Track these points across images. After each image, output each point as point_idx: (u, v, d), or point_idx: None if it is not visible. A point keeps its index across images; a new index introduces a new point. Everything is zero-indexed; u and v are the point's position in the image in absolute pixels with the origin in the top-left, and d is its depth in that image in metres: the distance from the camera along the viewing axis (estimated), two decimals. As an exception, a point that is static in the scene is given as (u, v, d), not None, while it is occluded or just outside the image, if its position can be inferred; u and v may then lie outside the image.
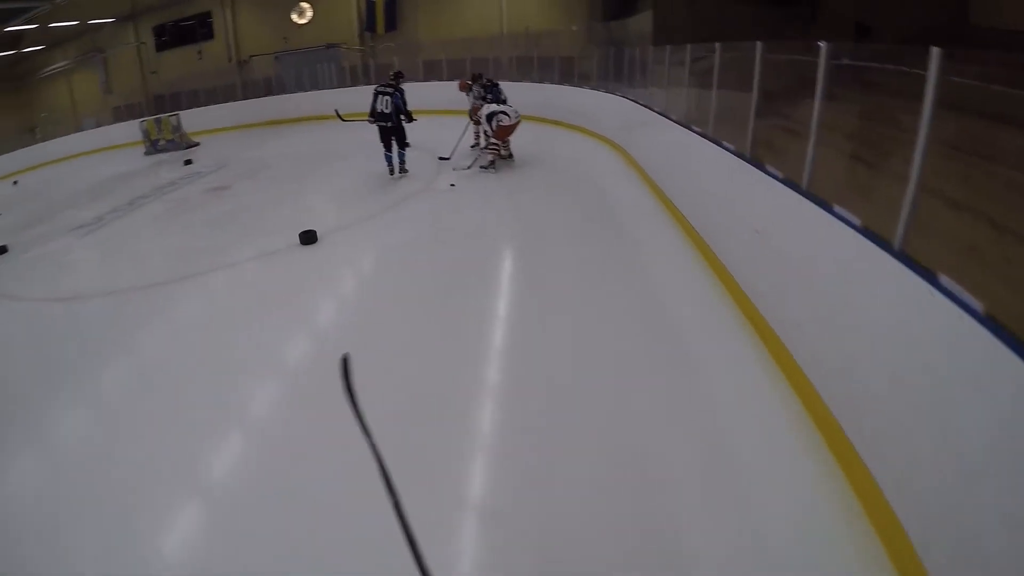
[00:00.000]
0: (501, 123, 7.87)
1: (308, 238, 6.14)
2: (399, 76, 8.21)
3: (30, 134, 19.23)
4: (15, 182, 15.22)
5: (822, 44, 2.89)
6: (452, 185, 7.83)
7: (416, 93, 9.49)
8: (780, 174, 3.37)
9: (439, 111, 11.44)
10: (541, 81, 11.44)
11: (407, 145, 8.34)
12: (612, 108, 9.14)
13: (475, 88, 9.21)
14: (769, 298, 3.38)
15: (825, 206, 2.77)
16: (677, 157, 5.93)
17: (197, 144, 15.18)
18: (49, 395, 3.80)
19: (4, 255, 8.12)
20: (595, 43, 9.65)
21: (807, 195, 2.99)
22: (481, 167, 8.34)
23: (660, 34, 9.29)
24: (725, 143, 4.41)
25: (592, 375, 3.29)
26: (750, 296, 3.61)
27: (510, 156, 8.60)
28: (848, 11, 8.60)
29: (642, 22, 10.35)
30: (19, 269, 7.22)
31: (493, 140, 8.16)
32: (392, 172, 8.43)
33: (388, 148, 8.23)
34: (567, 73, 11.15)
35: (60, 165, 16.83)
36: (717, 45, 4.66)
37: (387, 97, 7.89)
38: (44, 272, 6.96)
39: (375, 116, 8.00)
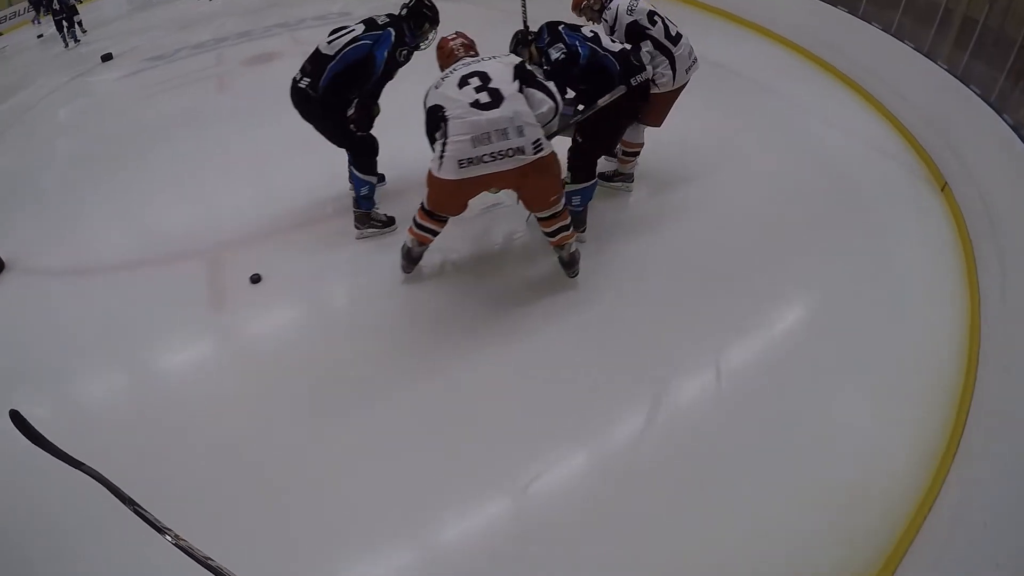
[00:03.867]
0: (445, 153, 2.45)
1: None
2: (418, 9, 3.12)
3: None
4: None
5: None
6: (255, 279, 3.17)
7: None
8: None
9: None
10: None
11: (368, 164, 3.26)
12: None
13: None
14: None
15: None
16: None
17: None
18: None
19: (108, 62, 7.62)
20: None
21: None
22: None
23: None
24: None
25: None
26: None
27: (624, 180, 3.60)
28: None
29: None
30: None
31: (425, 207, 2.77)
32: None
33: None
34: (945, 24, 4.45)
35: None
36: None
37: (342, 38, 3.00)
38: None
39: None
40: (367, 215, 3.40)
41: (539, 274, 3.04)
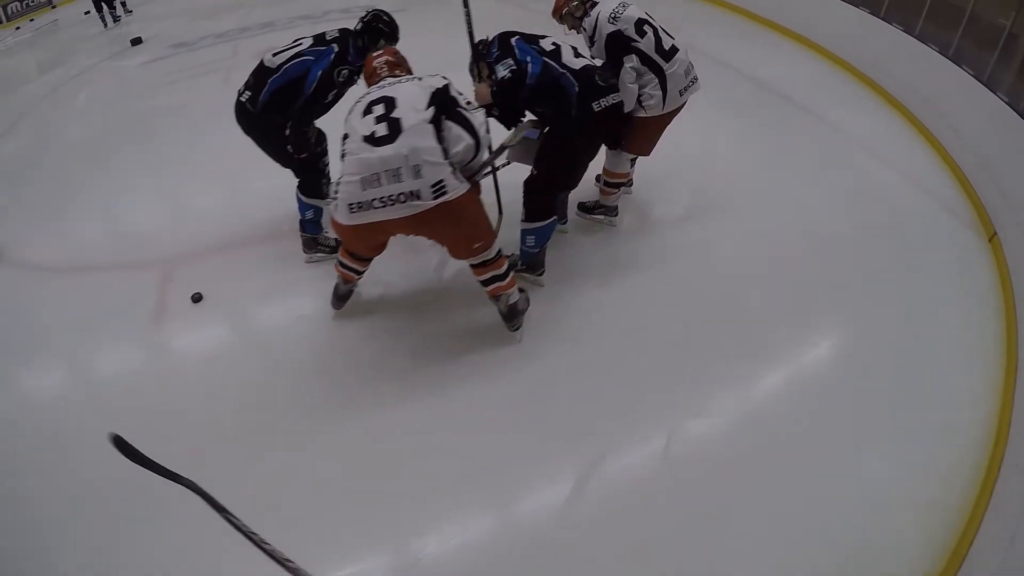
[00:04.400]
0: (338, 194, 2.09)
1: None
2: (374, 25, 2.80)
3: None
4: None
5: None
6: (196, 297, 2.97)
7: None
8: None
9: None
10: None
11: (313, 187, 2.96)
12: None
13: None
14: None
15: None
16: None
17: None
18: None
19: (138, 46, 7.62)
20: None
21: None
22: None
23: None
24: None
25: None
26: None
27: (607, 213, 3.22)
28: None
29: None
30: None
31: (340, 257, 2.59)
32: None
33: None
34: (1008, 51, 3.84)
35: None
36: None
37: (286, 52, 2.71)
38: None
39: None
40: (314, 240, 3.13)
41: (484, 319, 2.66)
